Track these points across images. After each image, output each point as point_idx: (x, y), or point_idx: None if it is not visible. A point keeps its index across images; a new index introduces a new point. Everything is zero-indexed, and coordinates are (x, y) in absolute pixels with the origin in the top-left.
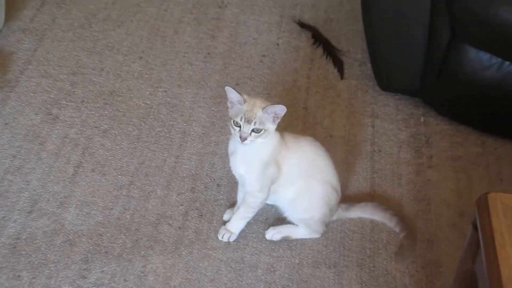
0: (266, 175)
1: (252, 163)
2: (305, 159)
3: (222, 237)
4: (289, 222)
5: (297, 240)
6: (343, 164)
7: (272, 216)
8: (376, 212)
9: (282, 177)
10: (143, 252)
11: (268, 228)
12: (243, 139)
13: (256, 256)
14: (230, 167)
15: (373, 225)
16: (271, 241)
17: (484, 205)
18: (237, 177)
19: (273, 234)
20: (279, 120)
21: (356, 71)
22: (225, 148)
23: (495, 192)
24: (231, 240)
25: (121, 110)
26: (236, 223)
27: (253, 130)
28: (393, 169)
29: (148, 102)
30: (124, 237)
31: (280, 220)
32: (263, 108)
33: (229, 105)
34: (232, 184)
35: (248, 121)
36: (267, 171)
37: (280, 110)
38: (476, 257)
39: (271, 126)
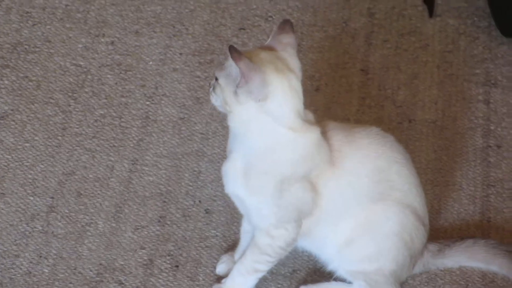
0: (286, 200)
1: (256, 176)
2: (367, 173)
3: None
4: (337, 279)
5: None
6: (433, 171)
7: (304, 267)
8: (492, 258)
9: (324, 208)
10: None
11: None
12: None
13: None
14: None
15: (486, 281)
16: None
17: None
18: (235, 201)
19: None
20: (245, 90)
21: (457, 1)
22: (220, 144)
23: None
24: None
25: (33, 79)
26: (239, 279)
27: (216, 78)
28: None
29: (82, 63)
30: None
31: (319, 274)
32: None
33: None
34: (233, 209)
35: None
36: (288, 194)
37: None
38: None
39: (230, 95)
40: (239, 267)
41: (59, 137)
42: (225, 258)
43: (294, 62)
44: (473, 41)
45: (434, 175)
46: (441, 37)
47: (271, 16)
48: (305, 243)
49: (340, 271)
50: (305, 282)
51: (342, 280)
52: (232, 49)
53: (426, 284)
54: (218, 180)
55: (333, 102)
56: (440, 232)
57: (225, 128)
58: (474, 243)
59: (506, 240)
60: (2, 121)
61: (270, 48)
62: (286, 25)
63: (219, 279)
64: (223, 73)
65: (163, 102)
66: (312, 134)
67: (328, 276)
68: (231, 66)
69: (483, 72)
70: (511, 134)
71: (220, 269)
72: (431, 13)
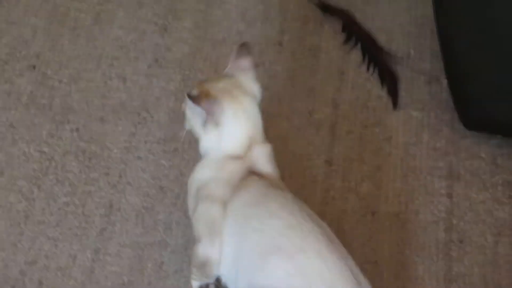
0: (198, 212)
1: (189, 181)
2: (254, 225)
3: None
4: None
5: None
6: (396, 264)
7: None
8: None
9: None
10: None
11: None
12: None
13: None
14: None
15: None
16: None
17: None
18: None
19: None
20: (212, 121)
21: (421, 93)
22: (184, 235)
23: None
24: None
25: None
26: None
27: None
28: (486, 275)
29: (46, 150)
30: None
31: None
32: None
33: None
34: None
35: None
36: (200, 207)
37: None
38: None
39: (197, 126)
40: None
41: (22, 225)
42: None
43: (251, 86)
44: (437, 134)
45: (397, 268)
46: (404, 129)
47: None
48: None
49: None
50: None
51: None
52: (190, 98)
53: None
54: (181, 271)
55: (297, 193)
56: None
57: (188, 219)
58: None
59: None
60: None
61: (229, 75)
62: (243, 48)
63: None
64: (188, 108)
65: (127, 190)
66: (234, 165)
67: None
68: (194, 107)
69: (446, 166)
70: (474, 229)
71: None
72: (395, 105)
